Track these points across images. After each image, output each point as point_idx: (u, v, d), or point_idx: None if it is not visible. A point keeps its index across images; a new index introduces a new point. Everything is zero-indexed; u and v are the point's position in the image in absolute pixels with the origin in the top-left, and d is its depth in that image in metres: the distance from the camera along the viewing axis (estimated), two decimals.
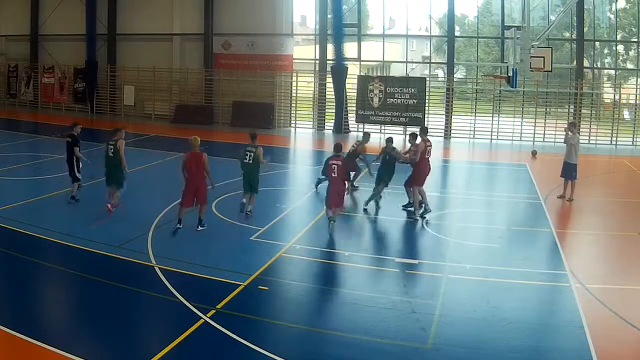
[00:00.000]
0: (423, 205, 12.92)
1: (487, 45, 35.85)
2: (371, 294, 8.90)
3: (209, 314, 7.94)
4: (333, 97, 26.93)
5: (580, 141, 15.96)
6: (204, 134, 18.18)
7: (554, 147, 22.02)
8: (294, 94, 28.28)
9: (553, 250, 11.15)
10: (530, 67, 15.42)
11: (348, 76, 26.68)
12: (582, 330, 7.74)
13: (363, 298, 8.76)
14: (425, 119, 25.71)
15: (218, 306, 8.22)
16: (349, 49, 27.46)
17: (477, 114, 25.88)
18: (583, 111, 25.51)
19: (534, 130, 24.94)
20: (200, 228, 11.66)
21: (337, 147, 12.09)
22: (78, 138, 13.60)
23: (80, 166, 13.39)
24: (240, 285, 8.99)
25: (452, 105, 26.41)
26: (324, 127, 27.72)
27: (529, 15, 15.67)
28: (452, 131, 26.08)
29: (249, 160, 12.51)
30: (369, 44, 30.36)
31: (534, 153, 21.72)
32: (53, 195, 13.89)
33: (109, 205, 12.22)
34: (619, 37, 28.39)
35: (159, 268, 9.58)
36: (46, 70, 31.66)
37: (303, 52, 31.32)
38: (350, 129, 26.97)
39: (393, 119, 25.89)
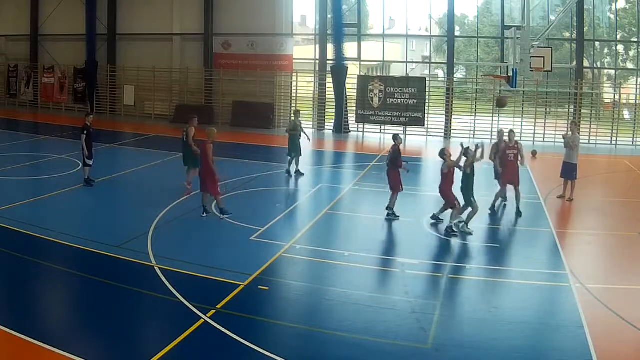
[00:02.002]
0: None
1: (487, 45, 35.85)
2: (371, 294, 8.90)
3: (209, 314, 7.94)
4: (333, 97, 26.93)
5: (581, 141, 15.92)
6: (204, 134, 18.15)
7: (554, 147, 22.01)
8: (294, 94, 28.28)
9: (553, 250, 11.15)
10: (530, 67, 15.38)
11: (348, 76, 26.68)
12: (582, 330, 7.74)
13: (363, 298, 8.76)
14: (425, 119, 25.73)
15: (218, 306, 8.22)
16: (349, 49, 27.47)
17: (477, 114, 25.87)
18: (583, 111, 25.49)
19: (534, 130, 24.93)
20: (222, 216, 12.37)
21: (394, 137, 13.22)
22: (88, 127, 14.95)
23: (86, 153, 14.74)
24: (240, 285, 8.99)
25: (452, 105, 26.39)
26: (324, 127, 27.71)
27: (529, 15, 15.63)
28: (452, 131, 26.07)
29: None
30: (369, 44, 30.35)
31: (534, 153, 21.70)
32: (53, 195, 13.89)
33: (186, 183, 14.15)
34: (619, 37, 28.37)
35: (159, 268, 9.58)
36: (46, 70, 31.66)
37: (303, 52, 31.31)
38: (350, 129, 26.98)
39: (393, 119, 25.88)
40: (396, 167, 12.89)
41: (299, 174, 17.02)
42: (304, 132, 17.54)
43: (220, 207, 12.53)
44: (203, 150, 12.52)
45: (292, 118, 17.60)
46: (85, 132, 14.84)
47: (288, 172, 17.04)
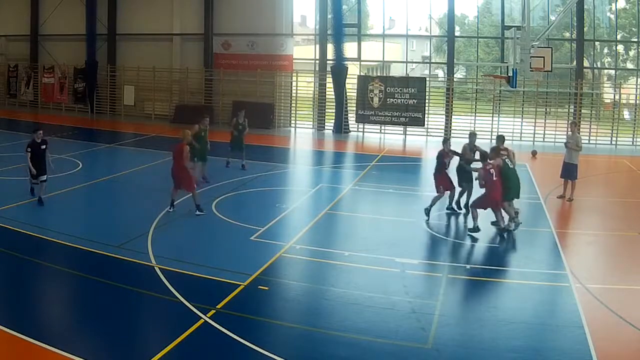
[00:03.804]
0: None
1: (487, 45, 35.85)
2: (371, 294, 8.89)
3: (209, 314, 7.94)
4: (333, 97, 26.93)
5: (582, 141, 15.83)
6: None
7: (554, 147, 22.03)
8: (294, 94, 28.29)
9: (553, 250, 11.15)
10: (530, 67, 15.38)
11: (348, 76, 26.68)
12: (582, 330, 7.74)
13: (363, 298, 8.76)
14: (425, 119, 25.74)
15: (218, 306, 8.22)
16: (349, 49, 27.46)
17: (477, 114, 25.87)
18: (583, 111, 25.50)
19: (534, 130, 24.94)
20: (198, 213, 12.52)
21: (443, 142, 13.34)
22: (34, 144, 13.07)
23: (32, 171, 13.01)
24: (240, 285, 8.99)
25: (452, 105, 26.40)
26: (324, 127, 27.71)
27: (529, 15, 15.62)
28: (452, 131, 26.06)
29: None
30: (369, 44, 30.35)
31: (534, 153, 21.72)
32: (53, 195, 13.87)
33: (202, 178, 15.10)
34: (619, 37, 28.38)
35: (159, 268, 9.58)
36: (46, 70, 31.67)
37: (303, 52, 31.32)
38: (350, 129, 26.98)
39: (393, 119, 25.90)
40: (440, 171, 12.95)
41: (227, 163, 17.64)
42: (243, 130, 17.70)
43: (197, 204, 12.65)
44: (179, 150, 12.59)
45: (236, 117, 18.09)
46: (29, 149, 13.01)
47: (242, 165, 17.57)
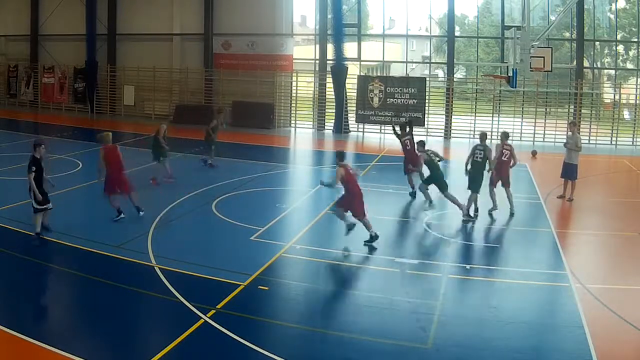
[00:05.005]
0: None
1: (487, 45, 35.82)
2: (371, 294, 8.90)
3: (209, 314, 7.94)
4: (333, 97, 26.93)
5: (582, 141, 15.81)
6: (204, 134, 18.21)
7: (554, 147, 22.01)
8: (294, 94, 28.29)
9: (553, 250, 11.14)
10: (530, 67, 15.39)
11: (348, 76, 26.68)
12: (582, 330, 7.74)
13: (363, 298, 8.76)
14: (425, 119, 25.73)
15: (218, 306, 8.22)
16: (349, 49, 27.47)
17: (477, 114, 25.87)
18: (583, 111, 25.50)
19: (534, 130, 24.94)
20: (141, 213, 12.23)
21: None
22: (38, 161, 10.87)
23: (38, 197, 10.76)
24: (240, 285, 8.99)
25: (452, 105, 26.40)
26: (324, 127, 27.71)
27: (529, 15, 15.64)
28: (452, 131, 26.08)
29: (478, 158, 13.06)
30: (369, 44, 30.35)
31: (534, 153, 21.72)
32: (53, 195, 13.80)
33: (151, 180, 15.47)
34: (619, 37, 28.38)
35: (159, 268, 9.58)
36: (46, 70, 31.67)
37: (303, 52, 31.31)
38: (350, 129, 26.98)
39: (393, 119, 25.88)
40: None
41: (211, 166, 17.66)
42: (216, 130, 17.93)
43: (136, 205, 12.34)
44: (114, 152, 12.49)
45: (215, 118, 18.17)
46: (33, 168, 10.73)
47: (205, 160, 18.01)
